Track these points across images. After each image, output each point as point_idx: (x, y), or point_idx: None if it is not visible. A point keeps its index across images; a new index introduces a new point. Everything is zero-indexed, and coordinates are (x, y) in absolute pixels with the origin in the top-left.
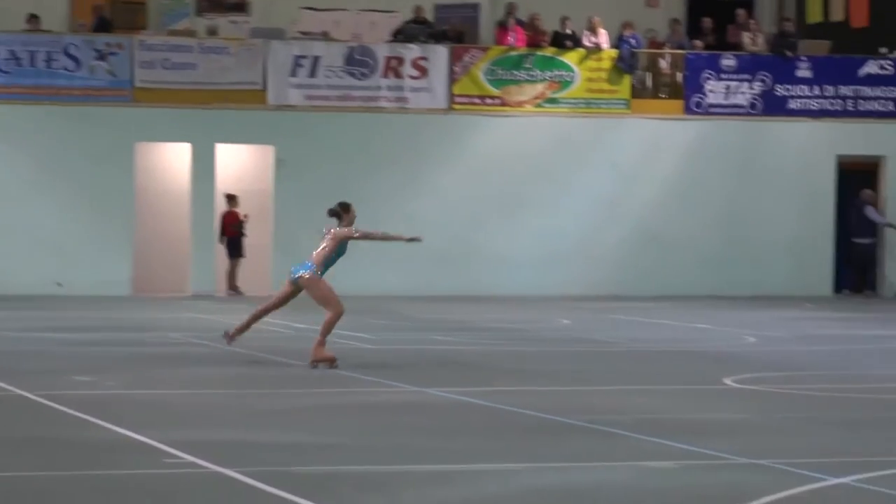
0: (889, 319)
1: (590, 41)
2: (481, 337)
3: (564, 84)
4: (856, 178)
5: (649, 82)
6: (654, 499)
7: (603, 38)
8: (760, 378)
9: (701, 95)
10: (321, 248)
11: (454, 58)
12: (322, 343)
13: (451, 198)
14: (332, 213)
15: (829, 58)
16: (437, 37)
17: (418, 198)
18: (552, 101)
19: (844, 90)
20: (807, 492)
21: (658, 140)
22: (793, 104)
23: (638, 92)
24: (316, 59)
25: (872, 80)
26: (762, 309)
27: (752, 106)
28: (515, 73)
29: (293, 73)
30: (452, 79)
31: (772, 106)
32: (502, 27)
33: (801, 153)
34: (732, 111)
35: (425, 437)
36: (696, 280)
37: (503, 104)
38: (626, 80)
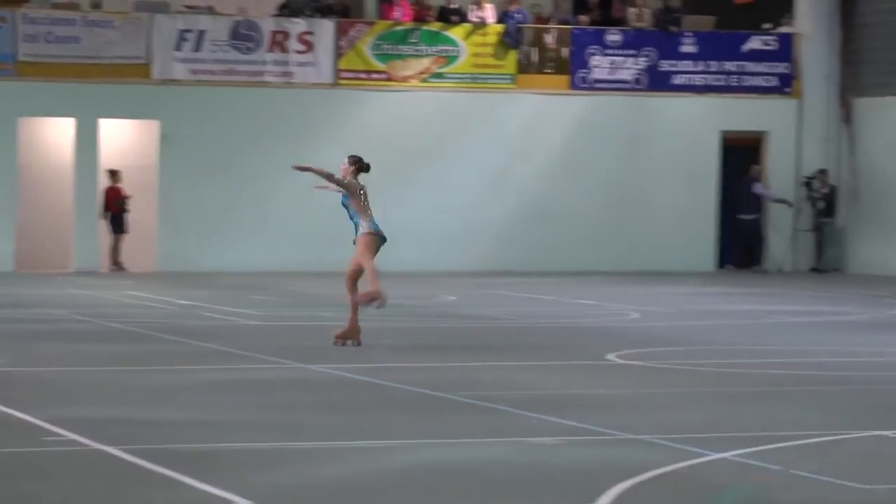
0: (772, 294)
1: (476, 16)
2: (366, 313)
3: (450, 59)
4: (739, 153)
5: (535, 57)
6: (539, 475)
7: (489, 12)
8: (644, 353)
9: (586, 71)
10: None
11: (340, 32)
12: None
13: (337, 173)
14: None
15: (713, 33)
16: (323, 11)
17: (305, 173)
18: (438, 75)
19: (728, 65)
20: (688, 467)
21: (544, 115)
22: (677, 79)
23: (524, 67)
24: (201, 34)
25: (756, 56)
26: (647, 284)
27: (637, 81)
28: (401, 47)
29: (178, 48)
30: (338, 53)
31: (657, 81)
32: (388, 2)
33: (686, 128)
34: (618, 86)
35: (308, 413)
36: (582, 255)
37: (389, 79)
38: (512, 56)
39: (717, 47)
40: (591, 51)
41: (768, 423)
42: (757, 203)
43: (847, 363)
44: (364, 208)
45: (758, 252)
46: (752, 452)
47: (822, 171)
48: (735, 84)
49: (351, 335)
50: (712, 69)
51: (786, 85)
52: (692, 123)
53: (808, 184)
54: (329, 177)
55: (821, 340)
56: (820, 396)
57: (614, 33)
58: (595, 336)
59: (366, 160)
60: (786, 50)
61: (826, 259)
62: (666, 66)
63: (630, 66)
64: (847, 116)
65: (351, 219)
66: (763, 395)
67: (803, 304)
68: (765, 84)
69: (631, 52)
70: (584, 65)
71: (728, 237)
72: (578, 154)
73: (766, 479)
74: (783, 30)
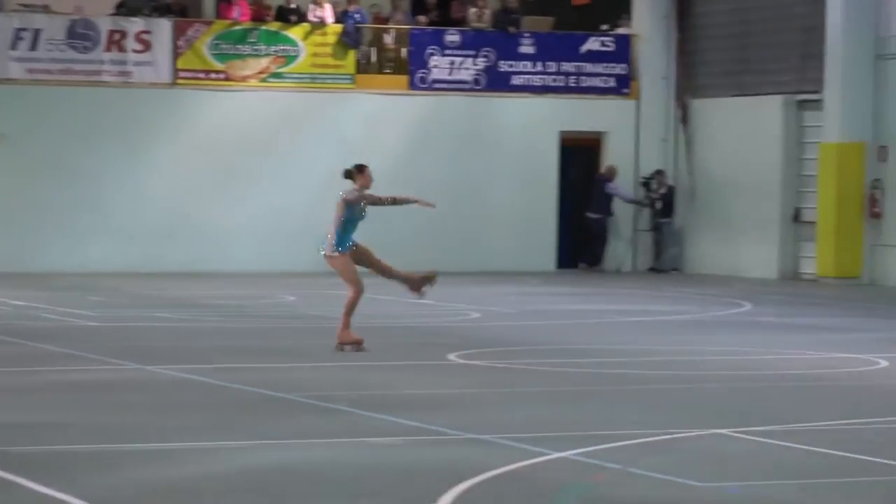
0: (611, 294)
1: (314, 16)
2: (204, 314)
3: (289, 59)
4: (578, 153)
5: (374, 57)
6: (379, 475)
7: (328, 12)
8: (485, 353)
9: (425, 71)
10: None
11: (178, 32)
12: (346, 325)
13: (176, 173)
14: (346, 174)
15: (551, 34)
16: (161, 10)
17: (142, 173)
18: (277, 75)
19: (567, 66)
20: (528, 466)
21: (384, 115)
22: (516, 80)
23: (363, 67)
24: (37, 32)
25: (594, 57)
26: (487, 285)
27: (476, 82)
28: (240, 47)
29: (13, 47)
30: (176, 53)
31: (495, 82)
32: (226, 1)
33: (525, 129)
34: (457, 87)
35: (146, 414)
36: (422, 255)
37: (227, 79)
38: (351, 56)
39: (555, 48)
40: (430, 51)
41: (607, 422)
42: (607, 203)
43: (685, 362)
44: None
45: (598, 252)
46: (591, 451)
47: (660, 172)
48: (573, 85)
49: (345, 334)
50: (551, 70)
51: (623, 86)
52: (531, 124)
53: (646, 184)
54: (395, 200)
55: (658, 340)
56: (658, 395)
57: (453, 34)
58: (435, 336)
59: (347, 167)
60: (623, 51)
61: (664, 259)
62: (505, 66)
63: (469, 67)
64: (684, 117)
65: (348, 229)
66: (602, 394)
67: (642, 303)
68: (603, 85)
69: (470, 52)
70: (424, 65)
71: (576, 237)
72: (418, 154)
73: (605, 477)
74: (621, 31)
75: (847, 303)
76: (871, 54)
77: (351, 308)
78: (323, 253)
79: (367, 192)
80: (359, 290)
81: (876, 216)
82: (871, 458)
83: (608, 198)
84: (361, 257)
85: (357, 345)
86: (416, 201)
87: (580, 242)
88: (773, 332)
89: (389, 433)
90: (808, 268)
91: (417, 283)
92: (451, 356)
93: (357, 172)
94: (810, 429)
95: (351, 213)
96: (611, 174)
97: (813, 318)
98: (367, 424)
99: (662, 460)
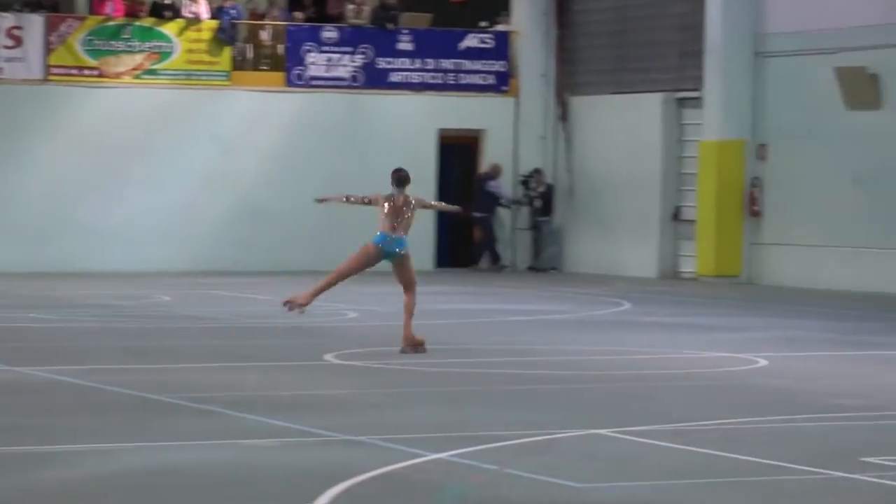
0: (489, 293)
1: (189, 12)
2: (79, 314)
3: (164, 55)
4: (457, 151)
5: (250, 54)
6: (255, 478)
7: (203, 8)
8: (362, 353)
9: (302, 68)
10: (405, 217)
11: (50, 27)
12: (317, 293)
13: (49, 171)
14: (405, 179)
15: (430, 31)
16: (32, 6)
17: (15, 171)
18: (151, 72)
19: (445, 63)
20: (405, 467)
21: (260, 113)
22: (394, 77)
23: (239, 64)
24: None
25: (473, 54)
26: (365, 284)
27: (354, 79)
28: (113, 43)
29: None
30: (48, 49)
31: (374, 79)
32: None
33: (403, 127)
34: (334, 84)
35: (21, 417)
36: (299, 255)
37: (101, 75)
38: (227, 52)
39: (434, 45)
40: (307, 48)
41: (486, 423)
42: (490, 201)
43: (564, 362)
44: (382, 220)
45: (478, 251)
46: (469, 452)
47: (538, 171)
48: (452, 82)
49: (309, 300)
50: (429, 67)
51: (503, 83)
52: (409, 122)
53: (524, 182)
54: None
55: (538, 339)
56: (537, 395)
57: (330, 30)
58: (312, 336)
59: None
60: (502, 48)
61: (543, 258)
62: (383, 63)
63: (347, 64)
64: (563, 115)
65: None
66: (481, 394)
67: (520, 302)
68: (482, 82)
69: (347, 49)
70: (300, 62)
71: (458, 237)
72: (295, 152)
73: (483, 478)
74: (500, 28)
75: (727, 302)
76: (750, 52)
77: (414, 308)
78: (404, 252)
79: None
80: (340, 275)
81: (755, 214)
82: (751, 458)
83: (490, 196)
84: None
85: (300, 307)
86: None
87: (462, 242)
88: (652, 332)
89: (266, 435)
90: (688, 267)
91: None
92: (328, 356)
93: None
94: (690, 428)
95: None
96: (495, 173)
97: (692, 317)
98: (243, 426)
99: (542, 461)
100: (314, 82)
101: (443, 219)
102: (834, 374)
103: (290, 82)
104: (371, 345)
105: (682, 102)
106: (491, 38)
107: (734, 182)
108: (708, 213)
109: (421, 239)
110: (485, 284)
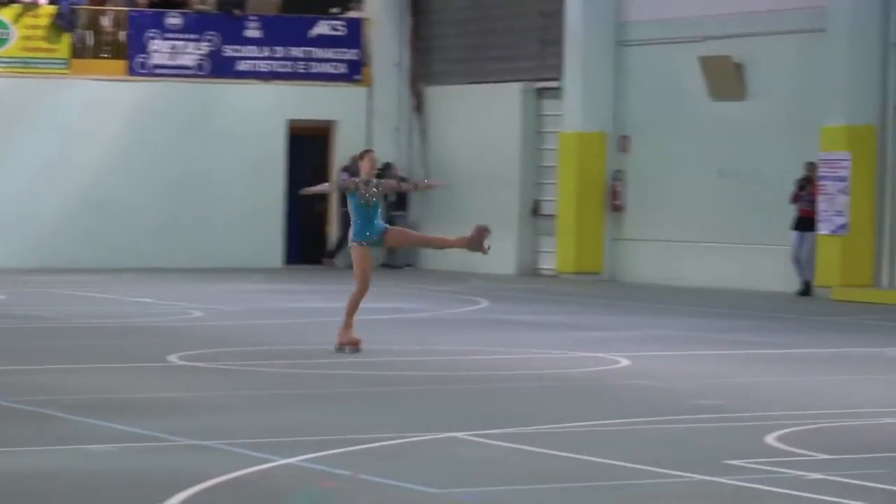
0: (339, 291)
1: None
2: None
3: None
4: (308, 143)
5: (90, 41)
6: (95, 484)
7: None
8: (207, 354)
9: (145, 56)
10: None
11: None
12: (349, 325)
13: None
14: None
15: (278, 17)
16: None
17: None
18: None
19: (295, 51)
20: (253, 473)
21: (101, 102)
22: (242, 65)
23: (78, 51)
24: None
25: (324, 42)
26: (210, 281)
27: (200, 67)
28: None
29: None
30: None
31: (220, 67)
32: None
33: (251, 117)
34: (179, 72)
35: None
36: (141, 251)
37: None
38: (66, 39)
39: (283, 32)
40: (151, 35)
41: (337, 427)
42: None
43: (419, 362)
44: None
45: (339, 246)
46: (320, 457)
47: (388, 165)
48: (302, 71)
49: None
50: (278, 55)
51: (355, 72)
52: (258, 112)
53: (378, 176)
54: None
55: (392, 339)
56: (391, 397)
57: (174, 16)
58: (155, 336)
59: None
60: (355, 36)
61: (397, 254)
62: (230, 51)
63: (192, 52)
64: (418, 105)
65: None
66: (333, 396)
67: (374, 300)
68: (333, 71)
69: (193, 36)
70: (143, 49)
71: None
72: (137, 143)
73: (334, 484)
74: (352, 15)
75: (587, 299)
76: (611, 41)
77: (354, 307)
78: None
79: (370, 178)
80: (363, 288)
81: (617, 209)
82: (611, 461)
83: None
84: (398, 240)
85: (354, 346)
86: (429, 186)
87: (313, 239)
88: (510, 331)
89: (106, 439)
90: (548, 263)
91: (475, 242)
92: (172, 357)
93: (359, 159)
94: (548, 431)
95: (355, 202)
96: (350, 165)
97: (552, 315)
98: (80, 430)
99: (396, 466)
100: (158, 71)
101: (293, 213)
102: (696, 374)
103: (132, 71)
104: (217, 345)
105: (541, 93)
106: (343, 26)
107: (595, 175)
108: (568, 207)
109: (269, 234)
110: (337, 282)
